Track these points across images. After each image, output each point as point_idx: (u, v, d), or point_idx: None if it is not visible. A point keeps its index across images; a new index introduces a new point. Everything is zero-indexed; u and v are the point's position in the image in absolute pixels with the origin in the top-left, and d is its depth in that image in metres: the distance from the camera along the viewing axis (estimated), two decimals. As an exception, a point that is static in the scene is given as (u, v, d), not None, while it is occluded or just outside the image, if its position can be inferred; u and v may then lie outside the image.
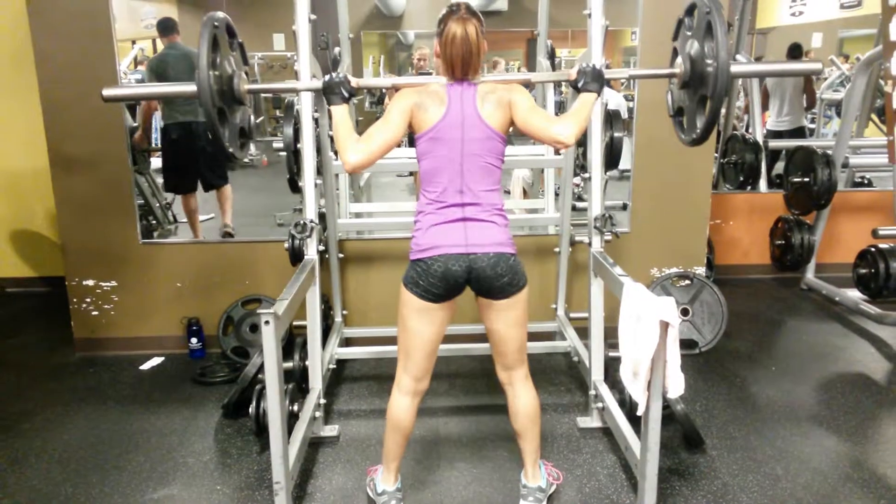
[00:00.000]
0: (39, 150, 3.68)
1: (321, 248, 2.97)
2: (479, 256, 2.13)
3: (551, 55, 3.92)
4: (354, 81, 2.24)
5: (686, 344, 3.70)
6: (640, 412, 2.24)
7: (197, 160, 4.50)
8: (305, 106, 2.87)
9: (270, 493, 2.35)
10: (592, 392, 2.97)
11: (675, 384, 2.18)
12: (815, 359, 3.72)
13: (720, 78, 2.10)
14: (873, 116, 5.96)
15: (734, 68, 2.19)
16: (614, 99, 5.29)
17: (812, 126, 6.71)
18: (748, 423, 3.02)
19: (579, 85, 2.25)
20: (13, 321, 4.53)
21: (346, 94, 2.21)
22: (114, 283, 3.81)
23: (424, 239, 2.16)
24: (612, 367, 3.00)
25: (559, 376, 3.52)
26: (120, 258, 3.78)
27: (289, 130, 3.02)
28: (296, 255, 2.97)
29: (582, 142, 3.22)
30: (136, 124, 4.46)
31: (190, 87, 2.18)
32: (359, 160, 2.10)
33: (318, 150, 3.04)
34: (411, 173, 5.77)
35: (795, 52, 6.20)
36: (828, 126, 7.09)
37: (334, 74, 2.22)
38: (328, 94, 2.22)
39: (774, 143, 5.58)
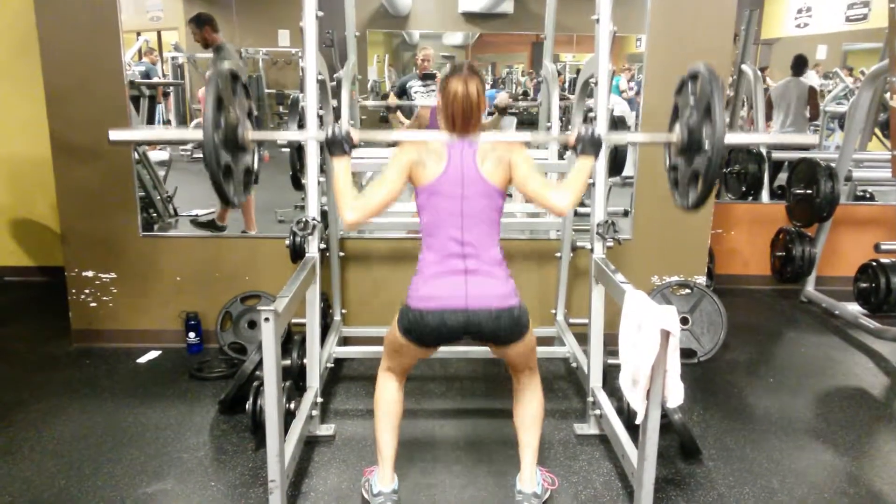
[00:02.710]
0: (42, 139, 3.67)
1: (322, 246, 2.96)
2: (479, 312, 2.13)
3: (554, 60, 3.91)
4: (356, 136, 2.26)
5: (685, 353, 3.69)
6: (638, 420, 2.24)
7: None
8: (310, 103, 2.86)
9: (265, 491, 2.34)
10: (590, 399, 2.96)
11: (675, 393, 2.17)
12: (814, 372, 3.71)
13: (714, 162, 2.12)
14: (877, 130, 5.96)
15: (729, 139, 2.21)
16: (619, 106, 5.29)
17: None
18: (745, 435, 3.01)
19: (577, 150, 2.28)
20: (10, 310, 4.52)
21: (347, 149, 2.24)
22: (113, 275, 3.80)
23: (424, 288, 2.16)
24: (610, 374, 3.00)
25: (557, 382, 3.51)
26: (120, 250, 3.77)
27: (293, 127, 3.01)
28: (297, 253, 2.97)
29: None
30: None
31: (197, 134, 2.18)
32: (356, 218, 2.15)
33: (322, 148, 3.03)
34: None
35: (800, 63, 6.19)
36: (830, 139, 7.09)
37: (337, 129, 2.24)
38: (331, 147, 2.24)
39: (777, 155, 5.58)
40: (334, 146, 2.22)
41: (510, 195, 5.27)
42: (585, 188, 2.23)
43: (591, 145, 2.26)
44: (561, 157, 3.97)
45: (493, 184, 2.17)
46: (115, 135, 2.37)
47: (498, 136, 2.28)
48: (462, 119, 2.16)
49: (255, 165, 2.48)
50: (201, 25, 4.41)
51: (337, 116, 3.65)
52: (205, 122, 2.11)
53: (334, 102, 3.38)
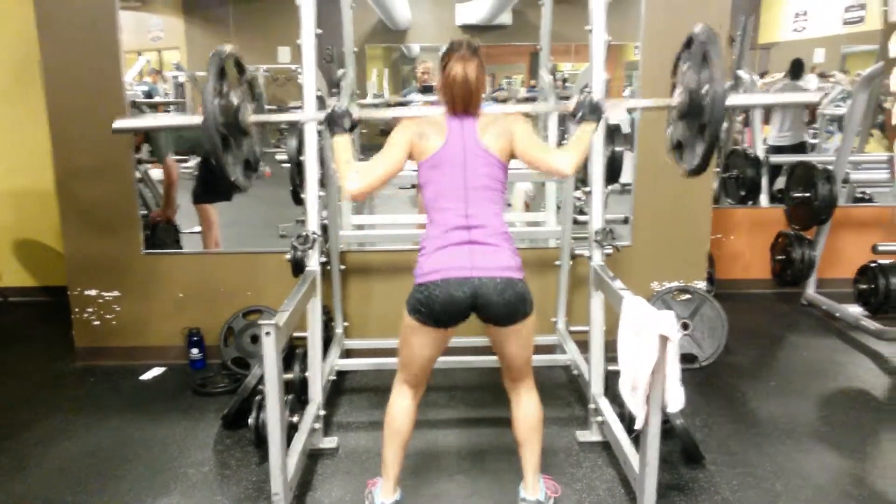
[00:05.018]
0: (45, 160, 3.71)
1: (323, 259, 2.98)
2: (485, 282, 2.10)
3: (552, 70, 3.94)
4: (357, 113, 2.29)
5: (686, 358, 3.69)
6: (638, 426, 2.25)
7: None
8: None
9: (269, 505, 2.35)
10: (592, 406, 2.97)
11: (675, 398, 2.18)
12: (816, 374, 3.72)
13: (717, 104, 2.15)
14: (874, 132, 5.98)
15: (731, 100, 2.26)
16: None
17: (814, 141, 6.73)
18: (748, 439, 3.02)
19: (577, 116, 2.29)
20: (15, 330, 4.55)
21: (347, 126, 2.27)
22: (116, 293, 3.82)
23: (428, 263, 2.16)
24: (612, 380, 3.00)
25: (559, 390, 3.52)
26: (122, 268, 3.80)
27: (292, 143, 3.04)
28: (297, 267, 2.99)
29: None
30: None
31: (197, 118, 2.23)
32: (358, 187, 2.15)
33: (321, 163, 3.06)
34: (413, 185, 5.80)
35: (797, 67, 6.22)
36: (829, 141, 7.10)
37: (337, 106, 2.28)
38: (331, 125, 2.27)
39: (775, 159, 5.60)
40: (335, 124, 2.26)
41: (509, 204, 5.32)
42: (587, 153, 2.23)
43: (591, 111, 2.27)
44: (562, 137, 3.94)
45: (494, 154, 2.18)
46: (119, 123, 2.46)
47: (498, 108, 2.28)
48: (462, 102, 2.17)
49: (258, 150, 2.51)
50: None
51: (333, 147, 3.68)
52: (205, 93, 2.15)
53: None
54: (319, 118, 2.39)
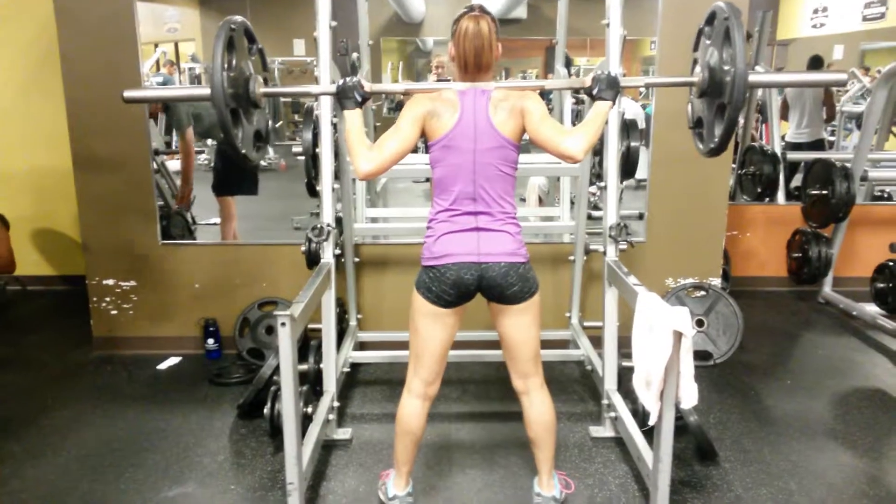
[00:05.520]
0: (64, 150, 3.74)
1: (337, 251, 2.99)
2: (490, 266, 2.15)
3: (567, 64, 3.93)
4: (368, 86, 2.24)
5: (700, 355, 3.69)
6: (651, 422, 2.24)
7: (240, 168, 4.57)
8: (324, 111, 2.89)
9: (283, 494, 2.37)
10: (605, 401, 2.96)
11: (689, 395, 2.17)
12: (832, 373, 3.69)
13: (737, 84, 2.09)
14: (894, 129, 5.91)
15: (753, 77, 2.20)
16: (631, 108, 5.29)
17: (832, 139, 6.66)
18: (762, 437, 3.01)
19: (594, 92, 2.23)
20: (33, 319, 4.60)
21: (359, 99, 2.22)
22: (133, 283, 3.86)
23: (437, 246, 2.18)
24: (625, 376, 3.00)
25: (572, 385, 3.52)
26: (140, 258, 3.83)
27: (307, 135, 3.05)
28: (312, 259, 3.00)
29: (598, 150, 3.22)
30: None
31: (206, 90, 2.19)
32: (371, 168, 2.11)
33: (336, 155, 3.06)
34: (427, 179, 5.80)
35: (816, 64, 6.17)
36: (848, 139, 7.03)
37: (348, 79, 2.23)
38: (342, 97, 2.22)
39: (793, 155, 5.55)
40: (346, 96, 2.20)
41: (523, 199, 5.31)
42: (600, 133, 2.18)
43: (608, 86, 2.20)
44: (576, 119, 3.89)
45: (505, 136, 2.15)
46: (130, 93, 2.40)
47: (511, 83, 2.25)
48: (474, 58, 2.11)
49: (269, 124, 2.47)
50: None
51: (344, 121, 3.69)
52: (213, 65, 2.10)
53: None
54: (332, 91, 2.34)
